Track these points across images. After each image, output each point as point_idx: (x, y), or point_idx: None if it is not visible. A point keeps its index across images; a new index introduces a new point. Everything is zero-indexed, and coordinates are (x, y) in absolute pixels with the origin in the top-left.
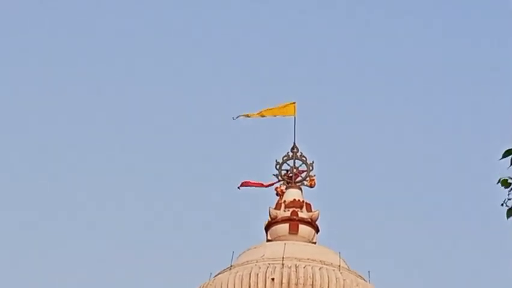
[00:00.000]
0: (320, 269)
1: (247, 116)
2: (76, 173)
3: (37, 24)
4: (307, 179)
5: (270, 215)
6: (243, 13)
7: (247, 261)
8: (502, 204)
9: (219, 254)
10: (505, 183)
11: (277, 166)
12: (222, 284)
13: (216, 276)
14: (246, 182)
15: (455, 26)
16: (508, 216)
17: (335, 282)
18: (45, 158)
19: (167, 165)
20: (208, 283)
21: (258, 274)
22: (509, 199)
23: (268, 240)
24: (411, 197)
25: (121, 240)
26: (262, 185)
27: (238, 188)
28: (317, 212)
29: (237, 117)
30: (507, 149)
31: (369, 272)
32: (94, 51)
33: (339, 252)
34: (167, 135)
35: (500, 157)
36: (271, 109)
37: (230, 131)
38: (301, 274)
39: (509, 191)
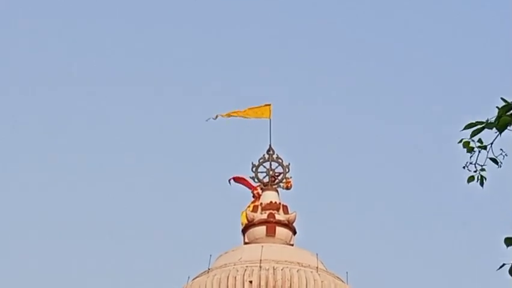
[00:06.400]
0: (297, 271)
1: (229, 115)
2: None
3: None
4: (284, 181)
5: (246, 218)
6: (219, 13)
7: (224, 264)
8: (464, 167)
9: (196, 257)
10: (467, 145)
11: (254, 168)
12: (200, 287)
13: (193, 279)
14: (238, 177)
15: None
16: (468, 181)
17: (313, 284)
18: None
19: (143, 167)
20: (186, 286)
21: (235, 277)
22: (470, 163)
23: (245, 243)
24: (389, 197)
25: (98, 244)
26: (251, 186)
27: (229, 181)
28: (294, 214)
29: (216, 117)
30: (468, 122)
31: (347, 273)
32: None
33: (317, 254)
34: (142, 136)
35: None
36: (247, 110)
37: (205, 133)
38: (279, 276)
39: (471, 155)
